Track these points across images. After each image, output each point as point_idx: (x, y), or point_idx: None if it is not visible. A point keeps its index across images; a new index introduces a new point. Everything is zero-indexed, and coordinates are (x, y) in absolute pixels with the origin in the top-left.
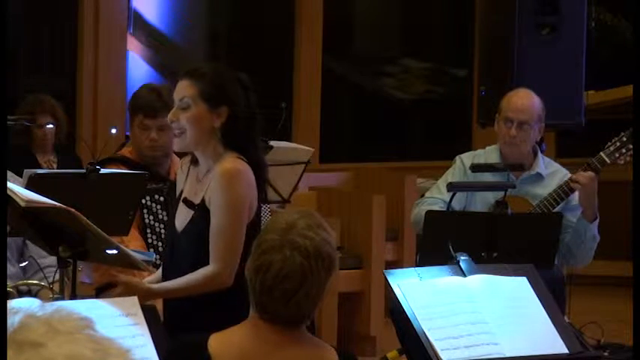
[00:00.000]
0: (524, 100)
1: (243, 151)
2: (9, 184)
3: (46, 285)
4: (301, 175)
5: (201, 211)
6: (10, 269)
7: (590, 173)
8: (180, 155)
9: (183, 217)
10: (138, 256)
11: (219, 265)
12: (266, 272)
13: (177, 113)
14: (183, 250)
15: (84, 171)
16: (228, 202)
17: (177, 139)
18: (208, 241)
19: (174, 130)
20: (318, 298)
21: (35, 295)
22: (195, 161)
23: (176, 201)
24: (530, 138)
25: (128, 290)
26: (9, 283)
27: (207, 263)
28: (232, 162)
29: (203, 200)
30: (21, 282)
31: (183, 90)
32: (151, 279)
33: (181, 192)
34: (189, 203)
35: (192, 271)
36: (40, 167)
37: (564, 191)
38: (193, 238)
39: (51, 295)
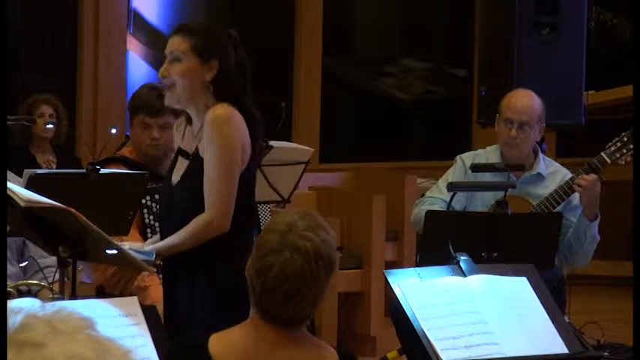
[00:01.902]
0: (525, 101)
1: (235, 102)
2: (9, 184)
3: (46, 285)
4: (301, 175)
5: (196, 160)
6: (10, 269)
7: (592, 176)
8: None
9: (179, 169)
10: (138, 256)
11: (213, 210)
12: (266, 274)
13: (167, 67)
14: (178, 201)
15: (84, 171)
16: (219, 147)
17: (167, 93)
18: (202, 190)
19: (165, 85)
20: (318, 298)
21: (35, 295)
22: (189, 120)
23: (173, 158)
24: (530, 139)
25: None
26: (9, 283)
27: (201, 211)
28: (221, 108)
29: (197, 149)
30: (21, 282)
31: (175, 45)
32: (152, 240)
33: (178, 150)
34: (183, 153)
35: (187, 222)
36: (39, 167)
37: (565, 191)
38: (188, 187)
39: (51, 295)
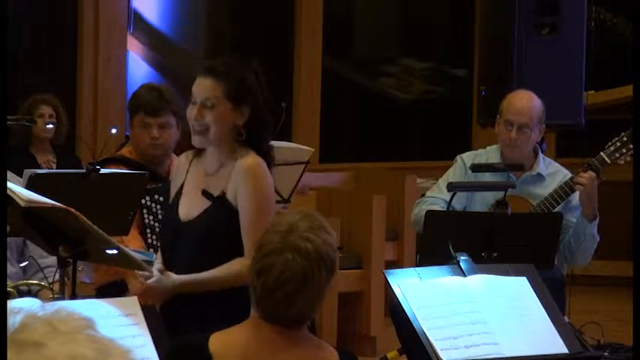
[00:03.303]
0: (525, 103)
1: (258, 145)
2: (9, 184)
3: (46, 285)
4: (301, 175)
5: (221, 203)
6: (10, 269)
7: (590, 173)
8: (179, 154)
9: (193, 207)
10: (138, 256)
11: None
12: (267, 275)
13: (202, 112)
14: (191, 239)
15: (84, 171)
16: (261, 197)
17: (198, 136)
18: (222, 232)
19: (196, 128)
20: (319, 299)
21: (35, 295)
22: (197, 153)
23: (177, 193)
24: (530, 140)
25: (164, 277)
26: (9, 283)
27: (219, 253)
28: (254, 158)
29: (224, 193)
30: (21, 282)
31: (208, 90)
32: (157, 267)
33: (182, 185)
34: (207, 194)
35: (199, 262)
36: (39, 167)
37: (564, 191)
38: (205, 228)
39: (51, 295)
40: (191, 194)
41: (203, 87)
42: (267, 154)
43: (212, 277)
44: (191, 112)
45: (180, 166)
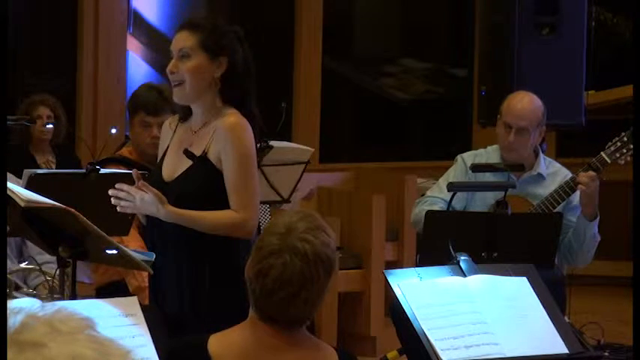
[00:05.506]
0: (524, 105)
1: (241, 103)
2: (9, 184)
3: (38, 268)
4: (301, 175)
5: (202, 163)
6: (10, 266)
7: (591, 173)
8: None
9: (176, 167)
10: (138, 256)
11: (246, 213)
12: (265, 277)
13: (176, 64)
14: (174, 199)
15: (84, 171)
16: (243, 154)
17: (175, 89)
18: (204, 191)
19: (173, 82)
20: (318, 300)
21: (34, 290)
22: (183, 119)
23: (162, 155)
24: (529, 143)
25: (159, 198)
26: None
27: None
28: (236, 116)
29: (205, 153)
30: (15, 269)
31: (182, 41)
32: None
33: (166, 149)
34: (189, 154)
35: None
36: (38, 167)
37: (565, 191)
38: (187, 186)
39: (48, 293)
40: (175, 154)
41: (178, 39)
42: (248, 110)
43: (200, 216)
44: (169, 66)
45: (164, 131)
